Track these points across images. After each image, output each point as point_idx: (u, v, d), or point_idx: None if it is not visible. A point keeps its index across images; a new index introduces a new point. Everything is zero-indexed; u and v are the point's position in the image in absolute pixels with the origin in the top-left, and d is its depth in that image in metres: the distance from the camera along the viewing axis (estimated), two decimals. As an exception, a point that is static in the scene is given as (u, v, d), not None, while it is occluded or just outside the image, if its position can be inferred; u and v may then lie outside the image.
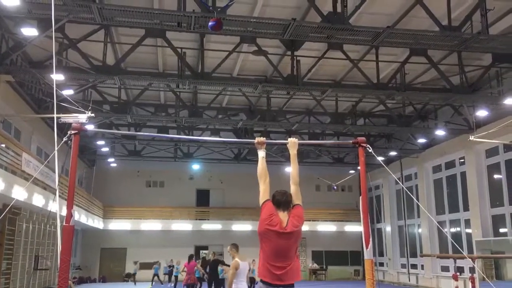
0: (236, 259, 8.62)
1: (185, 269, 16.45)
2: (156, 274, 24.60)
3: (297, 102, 20.39)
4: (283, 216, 4.11)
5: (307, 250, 30.40)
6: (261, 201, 4.22)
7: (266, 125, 20.18)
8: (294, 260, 4.11)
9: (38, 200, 14.07)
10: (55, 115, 5.07)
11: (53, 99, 5.14)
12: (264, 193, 4.25)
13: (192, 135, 22.45)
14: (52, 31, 8.31)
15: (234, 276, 8.39)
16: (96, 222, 25.51)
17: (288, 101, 19.69)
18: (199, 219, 29.64)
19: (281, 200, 4.17)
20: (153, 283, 24.48)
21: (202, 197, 30.92)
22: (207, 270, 15.35)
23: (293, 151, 4.57)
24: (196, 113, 18.61)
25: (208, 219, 29.78)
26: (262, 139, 4.59)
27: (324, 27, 11.03)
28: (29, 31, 11.45)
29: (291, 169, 4.52)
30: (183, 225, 28.84)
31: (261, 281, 4.10)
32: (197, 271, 16.81)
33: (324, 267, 30.32)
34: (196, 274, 16.73)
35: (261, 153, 4.49)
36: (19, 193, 11.83)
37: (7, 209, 7.32)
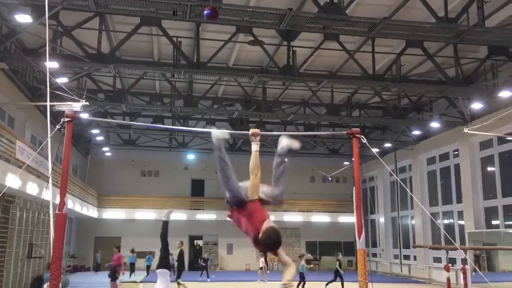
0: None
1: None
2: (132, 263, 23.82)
3: (292, 93, 20.35)
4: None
5: (301, 240, 30.53)
6: (250, 196, 4.15)
7: (262, 116, 20.16)
8: None
9: (32, 188, 14.03)
10: (48, 103, 5.03)
11: (47, 87, 5.11)
12: (255, 187, 4.18)
13: (187, 125, 22.36)
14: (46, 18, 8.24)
15: None
16: (90, 211, 25.48)
17: (284, 92, 19.64)
18: (194, 209, 29.66)
19: (271, 245, 3.95)
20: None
21: (197, 187, 30.90)
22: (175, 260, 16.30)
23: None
24: (191, 103, 18.53)
25: (202, 209, 29.82)
26: (257, 130, 4.48)
27: (320, 18, 10.99)
28: (23, 18, 11.34)
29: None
30: (177, 215, 28.63)
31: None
32: (148, 259, 18.74)
33: (318, 257, 30.52)
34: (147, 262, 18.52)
35: (255, 147, 4.37)
36: (12, 181, 11.78)
37: None
